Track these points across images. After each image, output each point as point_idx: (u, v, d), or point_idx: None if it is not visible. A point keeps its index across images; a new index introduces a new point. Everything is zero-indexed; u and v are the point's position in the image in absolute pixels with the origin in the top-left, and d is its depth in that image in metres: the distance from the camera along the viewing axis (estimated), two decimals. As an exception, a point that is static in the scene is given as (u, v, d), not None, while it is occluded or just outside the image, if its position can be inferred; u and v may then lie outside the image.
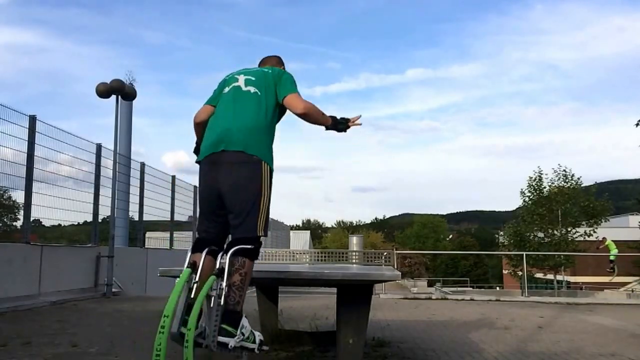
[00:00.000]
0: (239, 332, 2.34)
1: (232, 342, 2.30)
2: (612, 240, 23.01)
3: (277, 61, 3.17)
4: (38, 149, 7.82)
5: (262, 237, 2.59)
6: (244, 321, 2.40)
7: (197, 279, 2.36)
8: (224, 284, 2.34)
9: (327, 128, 2.97)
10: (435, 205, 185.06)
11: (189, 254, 2.54)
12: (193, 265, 2.40)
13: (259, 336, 2.46)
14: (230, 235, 2.62)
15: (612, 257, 23.56)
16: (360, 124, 3.06)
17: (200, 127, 2.87)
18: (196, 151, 2.94)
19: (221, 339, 2.29)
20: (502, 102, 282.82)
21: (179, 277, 2.33)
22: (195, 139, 3.00)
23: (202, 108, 2.91)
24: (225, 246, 2.56)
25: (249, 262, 2.47)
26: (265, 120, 2.70)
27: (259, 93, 2.75)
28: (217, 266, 2.41)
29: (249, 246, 2.48)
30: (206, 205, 2.69)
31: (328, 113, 2.96)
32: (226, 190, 2.56)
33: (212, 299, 2.30)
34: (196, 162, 2.79)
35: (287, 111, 2.85)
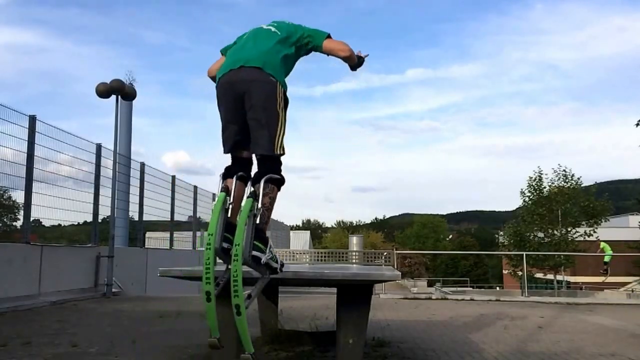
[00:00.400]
0: (267, 250, 2.58)
1: (263, 258, 2.55)
2: (608, 242, 23.07)
3: None
4: (38, 149, 7.83)
5: (281, 154, 2.78)
6: (270, 242, 2.66)
7: (231, 201, 2.62)
8: (259, 204, 2.59)
9: (352, 68, 3.18)
10: (435, 205, 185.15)
11: (220, 180, 2.76)
12: (226, 189, 2.65)
13: (279, 259, 2.71)
14: (255, 160, 2.84)
15: (606, 259, 23.65)
16: (367, 55, 3.22)
17: (215, 79, 2.97)
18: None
19: (255, 253, 2.52)
20: (502, 102, 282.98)
21: (215, 200, 2.60)
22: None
23: (217, 61, 3.09)
24: (253, 174, 2.78)
25: (276, 188, 2.73)
26: (282, 52, 2.87)
27: (279, 33, 2.94)
28: (251, 189, 2.62)
29: (278, 176, 2.73)
30: (229, 117, 2.81)
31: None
32: (247, 104, 2.73)
33: (249, 218, 2.51)
34: (216, 81, 2.90)
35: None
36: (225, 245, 2.53)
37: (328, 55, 3.08)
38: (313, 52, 3.10)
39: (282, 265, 2.71)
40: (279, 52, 2.87)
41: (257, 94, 2.72)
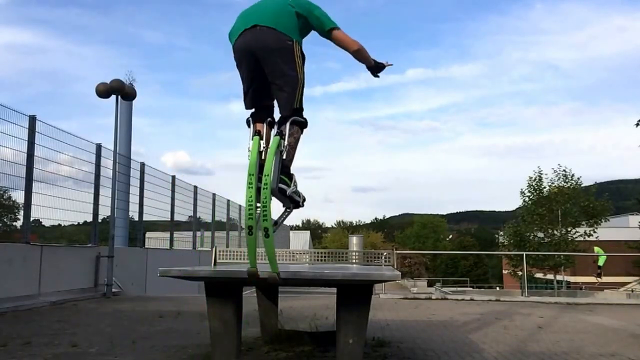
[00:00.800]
0: (292, 184, 2.88)
1: (288, 190, 2.84)
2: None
3: None
4: (38, 149, 7.83)
5: (298, 108, 2.98)
6: (295, 178, 2.94)
7: (265, 144, 2.83)
8: (285, 143, 2.86)
9: (369, 68, 3.22)
10: (435, 205, 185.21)
11: (251, 124, 3.00)
12: (259, 133, 2.88)
13: (303, 195, 2.98)
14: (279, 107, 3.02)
15: (600, 263, 23.76)
16: (392, 64, 3.28)
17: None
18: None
19: (281, 185, 2.80)
20: (502, 102, 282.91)
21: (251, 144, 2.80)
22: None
23: None
24: (278, 118, 3.00)
25: (300, 130, 2.99)
26: (293, 12, 2.96)
27: (287, 1, 3.00)
28: (278, 129, 2.90)
29: (302, 119, 2.99)
30: (250, 77, 2.99)
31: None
32: (266, 69, 2.90)
33: (276, 154, 2.75)
34: (232, 43, 3.03)
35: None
36: (259, 185, 2.66)
37: (336, 44, 3.11)
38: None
39: (304, 200, 2.98)
40: (291, 12, 2.96)
41: (276, 61, 2.88)
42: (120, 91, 9.15)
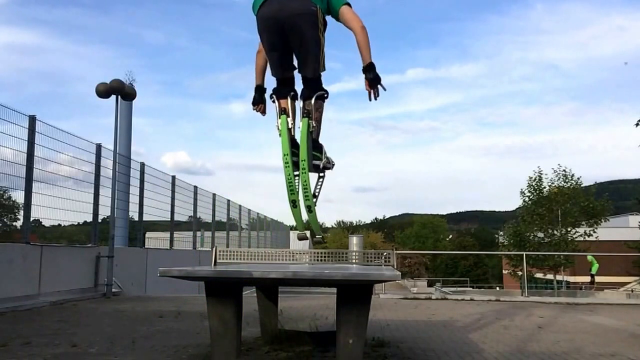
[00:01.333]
0: (323, 156, 3.17)
1: (320, 164, 3.16)
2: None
3: None
4: (38, 149, 7.83)
5: (323, 72, 3.16)
6: (324, 149, 3.22)
7: (291, 121, 3.09)
8: (313, 123, 3.08)
9: (364, 66, 3.10)
10: (435, 205, 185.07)
11: (276, 100, 3.17)
12: (285, 111, 3.10)
13: (332, 159, 3.26)
14: (302, 78, 3.18)
15: (593, 271, 23.85)
16: (385, 90, 3.17)
17: (260, 59, 3.31)
18: (256, 97, 3.40)
19: (315, 162, 3.10)
20: (502, 102, 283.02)
21: (279, 124, 3.09)
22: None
23: (260, 44, 3.27)
24: (301, 92, 3.18)
25: (322, 103, 3.19)
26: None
27: None
28: (305, 109, 3.10)
29: (324, 92, 3.16)
30: (275, 46, 3.09)
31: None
32: (291, 37, 3.01)
33: (308, 136, 3.01)
34: (254, 9, 3.10)
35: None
36: (294, 159, 3.01)
37: (341, 22, 3.14)
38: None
39: (333, 164, 3.26)
40: None
41: (301, 29, 2.98)
42: (120, 91, 9.15)
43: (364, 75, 3.11)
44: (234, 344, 2.95)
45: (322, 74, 3.18)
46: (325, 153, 3.19)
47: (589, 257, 24.88)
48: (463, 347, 4.32)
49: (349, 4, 3.12)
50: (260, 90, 3.38)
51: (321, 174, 3.25)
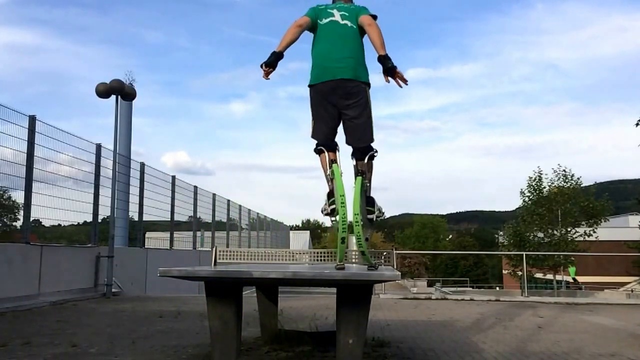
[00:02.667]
0: (375, 209, 3.40)
1: (373, 217, 3.40)
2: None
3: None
4: (38, 149, 7.83)
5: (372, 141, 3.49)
6: (376, 201, 3.44)
7: (341, 170, 3.40)
8: (367, 181, 3.39)
9: (379, 58, 3.39)
10: (435, 205, 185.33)
11: (326, 152, 3.46)
12: (334, 161, 3.42)
13: (382, 209, 3.50)
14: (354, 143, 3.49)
15: (572, 275, 24.00)
16: (406, 83, 3.45)
17: (299, 31, 3.50)
18: (271, 60, 3.46)
19: (369, 216, 3.37)
20: (502, 102, 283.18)
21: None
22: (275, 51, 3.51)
23: (303, 17, 3.56)
24: (352, 152, 3.51)
25: (372, 162, 3.50)
26: (361, 48, 3.49)
27: (354, 26, 3.49)
28: (360, 168, 3.43)
29: (374, 152, 3.47)
30: (327, 117, 3.46)
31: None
32: (347, 112, 3.40)
33: (362, 193, 3.26)
34: (309, 86, 3.49)
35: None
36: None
37: (362, 28, 3.48)
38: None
39: (383, 214, 3.53)
40: (360, 51, 3.48)
41: (357, 109, 3.39)
42: (120, 91, 9.15)
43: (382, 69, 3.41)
44: (234, 344, 2.95)
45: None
46: (377, 205, 3.44)
47: (570, 269, 25.22)
48: (463, 347, 4.32)
49: (368, 14, 3.50)
50: (277, 56, 3.45)
51: (373, 224, 3.52)
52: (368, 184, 3.41)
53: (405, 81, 3.41)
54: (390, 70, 3.36)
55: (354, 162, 3.50)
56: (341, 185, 3.24)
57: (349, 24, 3.48)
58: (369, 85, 3.44)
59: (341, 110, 3.41)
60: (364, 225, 3.23)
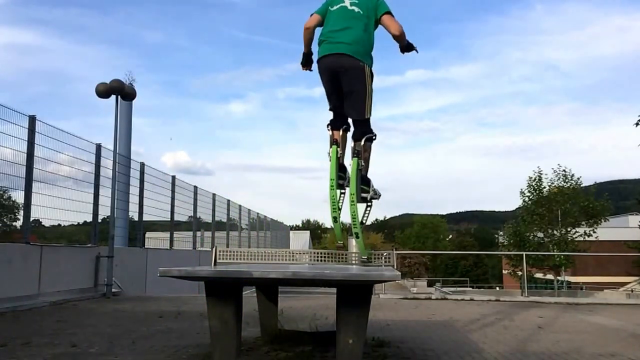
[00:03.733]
0: (371, 189, 3.67)
1: (369, 196, 3.67)
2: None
3: None
4: (38, 149, 7.83)
5: (368, 117, 3.71)
6: (372, 182, 3.73)
7: (341, 151, 3.71)
8: (362, 162, 3.63)
9: (402, 48, 3.80)
10: (435, 205, 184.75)
11: (330, 130, 3.78)
12: (336, 142, 3.68)
13: (379, 191, 3.75)
14: (352, 121, 3.77)
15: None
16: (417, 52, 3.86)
17: (309, 32, 3.86)
18: (303, 61, 3.97)
19: (363, 195, 3.62)
20: (502, 102, 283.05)
21: (329, 154, 3.69)
22: (302, 49, 3.99)
23: (312, 17, 3.85)
24: (352, 133, 3.76)
25: (370, 144, 3.74)
26: (365, 32, 3.68)
27: (362, 12, 3.70)
28: (356, 148, 3.66)
29: (372, 135, 3.71)
30: (331, 88, 3.75)
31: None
32: (343, 84, 3.66)
33: (357, 173, 3.55)
34: (317, 61, 3.78)
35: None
36: (340, 182, 3.65)
37: (384, 27, 3.74)
38: None
39: (380, 195, 3.74)
40: (365, 36, 3.66)
41: (351, 80, 3.61)
42: (120, 91, 9.15)
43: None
44: (234, 344, 2.95)
45: (371, 113, 3.72)
46: (372, 186, 3.68)
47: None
48: (463, 347, 4.32)
49: (389, 13, 3.70)
50: (307, 56, 3.94)
51: (369, 204, 3.74)
52: (364, 164, 3.64)
53: (416, 49, 3.82)
54: (410, 46, 3.78)
55: (352, 144, 3.73)
56: (333, 169, 3.52)
57: (357, 9, 3.70)
58: (367, 64, 3.65)
59: (341, 83, 3.67)
60: (359, 202, 3.53)
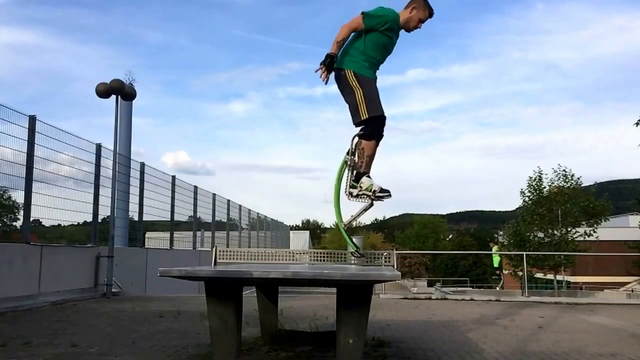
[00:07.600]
0: (358, 186, 3.68)
1: (355, 192, 3.69)
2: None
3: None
4: (38, 149, 7.83)
5: (368, 118, 3.64)
6: (364, 178, 3.70)
7: (350, 158, 3.76)
8: (355, 158, 3.73)
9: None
10: (435, 205, 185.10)
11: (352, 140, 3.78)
12: (349, 151, 3.74)
13: (376, 187, 3.66)
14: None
15: (496, 265, 23.75)
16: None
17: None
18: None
19: (350, 190, 3.70)
20: (502, 102, 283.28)
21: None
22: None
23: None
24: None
25: (363, 141, 3.73)
26: (350, 40, 3.76)
27: None
28: (350, 148, 3.72)
29: (362, 132, 3.70)
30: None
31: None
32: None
33: (344, 168, 3.72)
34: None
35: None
36: (351, 190, 3.74)
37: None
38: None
39: (376, 193, 3.65)
40: (348, 41, 3.76)
41: (341, 89, 3.76)
42: (120, 91, 9.15)
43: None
44: (234, 344, 2.95)
45: (367, 114, 3.69)
46: (362, 183, 3.66)
47: (494, 248, 24.94)
48: (463, 347, 4.32)
49: (362, 14, 3.71)
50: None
51: (366, 202, 3.73)
52: (355, 162, 3.70)
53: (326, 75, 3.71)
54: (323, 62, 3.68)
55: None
56: (338, 174, 3.74)
57: None
58: (348, 68, 3.69)
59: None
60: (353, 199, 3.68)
